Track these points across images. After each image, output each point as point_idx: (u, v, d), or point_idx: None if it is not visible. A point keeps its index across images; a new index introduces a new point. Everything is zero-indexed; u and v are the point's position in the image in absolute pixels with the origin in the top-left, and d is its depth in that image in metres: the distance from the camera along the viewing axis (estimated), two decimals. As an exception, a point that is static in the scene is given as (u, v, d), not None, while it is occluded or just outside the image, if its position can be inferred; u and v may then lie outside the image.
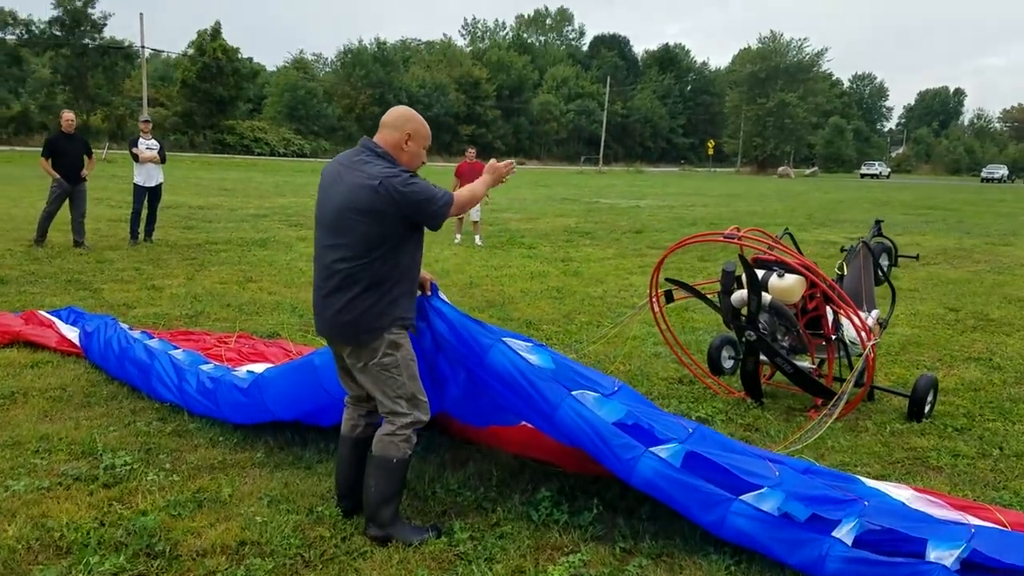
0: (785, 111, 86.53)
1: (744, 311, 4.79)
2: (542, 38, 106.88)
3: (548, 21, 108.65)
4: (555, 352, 3.50)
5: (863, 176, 77.75)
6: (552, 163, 77.57)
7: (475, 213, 12.99)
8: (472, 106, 73.91)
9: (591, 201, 25.87)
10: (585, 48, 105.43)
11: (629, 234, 15.69)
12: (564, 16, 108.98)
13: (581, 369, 3.45)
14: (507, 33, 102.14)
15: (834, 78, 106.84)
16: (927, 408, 4.75)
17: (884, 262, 5.68)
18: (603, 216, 19.89)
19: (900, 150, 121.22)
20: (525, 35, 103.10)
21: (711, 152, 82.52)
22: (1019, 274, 11.79)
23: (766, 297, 4.63)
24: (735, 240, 4.67)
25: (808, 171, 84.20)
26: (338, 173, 3.21)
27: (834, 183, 57.84)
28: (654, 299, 5.29)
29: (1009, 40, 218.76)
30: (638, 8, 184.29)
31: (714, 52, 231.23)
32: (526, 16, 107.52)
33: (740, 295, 4.76)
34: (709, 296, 5.17)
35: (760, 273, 4.78)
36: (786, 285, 4.66)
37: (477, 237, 13.33)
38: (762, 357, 4.78)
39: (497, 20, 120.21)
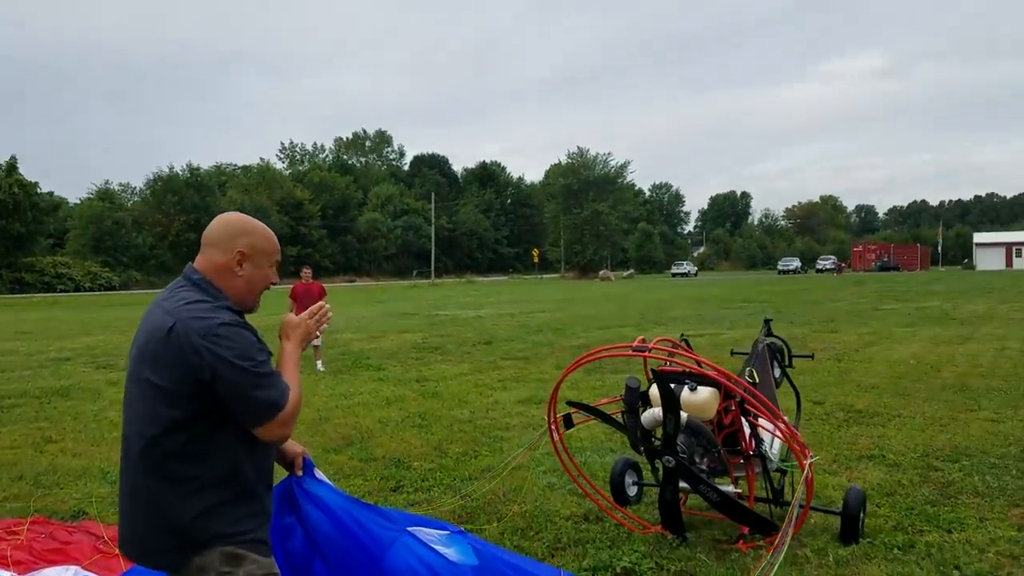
0: (599, 219, 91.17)
1: (657, 432, 4.22)
2: (363, 159, 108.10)
3: (367, 143, 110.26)
4: (475, 538, 2.64)
5: (674, 275, 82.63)
6: (384, 278, 77.06)
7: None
8: (296, 227, 72.63)
9: (431, 314, 25.26)
10: (407, 167, 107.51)
11: (480, 346, 15.11)
12: (383, 138, 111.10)
13: (512, 560, 2.62)
14: (327, 155, 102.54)
15: (637, 188, 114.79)
16: (860, 526, 4.30)
17: (778, 368, 5.35)
18: (447, 329, 19.27)
19: (701, 250, 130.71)
20: (345, 156, 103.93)
21: (536, 260, 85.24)
22: (859, 359, 12.19)
23: (683, 416, 4.07)
24: (645, 353, 4.13)
25: (626, 273, 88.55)
26: (148, 313, 2.25)
27: (651, 283, 60.81)
28: (553, 426, 4.61)
29: (783, 146, 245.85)
30: (455, 130, 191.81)
31: (528, 168, 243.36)
32: (345, 139, 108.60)
33: (652, 415, 4.19)
34: (613, 416, 4.56)
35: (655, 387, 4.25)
36: (701, 400, 4.14)
37: (319, 363, 12.27)
38: (682, 484, 4.19)
39: (316, 143, 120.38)
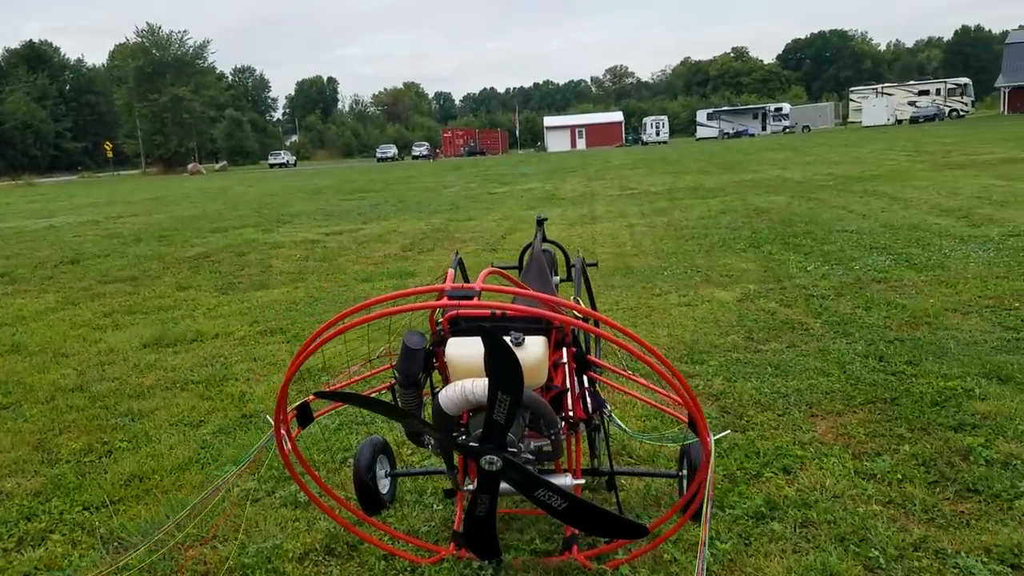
0: (181, 106, 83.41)
1: (467, 418, 2.66)
2: None
3: None
4: None
5: (272, 166, 79.03)
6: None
7: None
8: None
9: (-19, 229, 19.93)
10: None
11: (64, 267, 11.75)
12: None
13: None
14: None
15: (219, 71, 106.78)
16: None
17: (556, 278, 4.04)
18: (12, 247, 15.03)
19: (295, 138, 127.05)
20: None
21: (111, 155, 74.89)
22: (512, 248, 11.63)
23: (529, 394, 2.54)
24: (474, 301, 2.48)
25: (218, 166, 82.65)
26: None
27: (249, 176, 56.91)
28: (283, 429, 2.74)
29: (364, 32, 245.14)
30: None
31: (89, 48, 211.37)
32: None
33: (460, 393, 2.57)
34: (380, 396, 2.86)
35: (461, 344, 2.68)
36: (533, 358, 2.63)
37: None
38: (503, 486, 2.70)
39: None
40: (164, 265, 11.63)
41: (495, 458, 2.51)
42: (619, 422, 3.12)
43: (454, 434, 2.68)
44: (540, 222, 4.13)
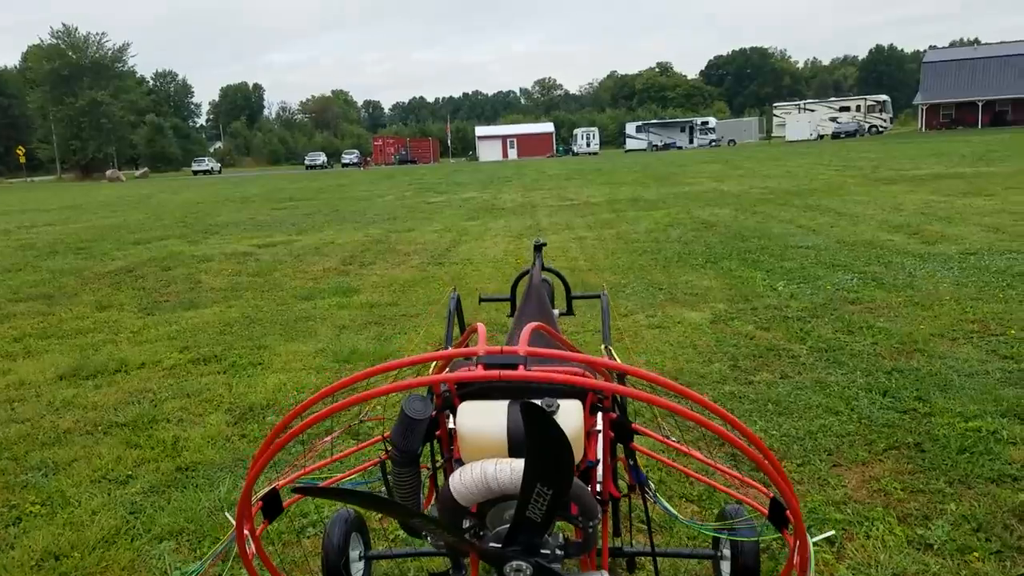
0: (100, 110, 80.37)
1: (484, 510, 2.10)
2: None
3: None
4: None
5: (196, 173, 76.89)
6: None
7: None
8: None
9: None
10: None
11: (-35, 286, 10.71)
12: None
13: None
14: None
15: (140, 76, 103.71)
16: None
17: (556, 312, 3.51)
18: (-96, 262, 13.75)
19: (219, 145, 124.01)
20: None
21: (23, 160, 71.47)
22: (459, 262, 11.09)
23: (577, 484, 1.98)
24: (518, 372, 1.88)
25: (138, 173, 79.89)
26: None
27: (172, 183, 54.84)
28: (246, 529, 2.12)
29: (290, 38, 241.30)
30: None
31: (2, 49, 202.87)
32: None
33: (479, 480, 1.99)
34: (369, 488, 2.26)
35: (475, 413, 2.11)
36: (571, 429, 2.07)
37: None
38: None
39: None
40: (82, 281, 10.69)
41: (525, 564, 1.95)
42: (664, 503, 2.59)
43: (463, 525, 2.11)
44: (538, 248, 3.59)
